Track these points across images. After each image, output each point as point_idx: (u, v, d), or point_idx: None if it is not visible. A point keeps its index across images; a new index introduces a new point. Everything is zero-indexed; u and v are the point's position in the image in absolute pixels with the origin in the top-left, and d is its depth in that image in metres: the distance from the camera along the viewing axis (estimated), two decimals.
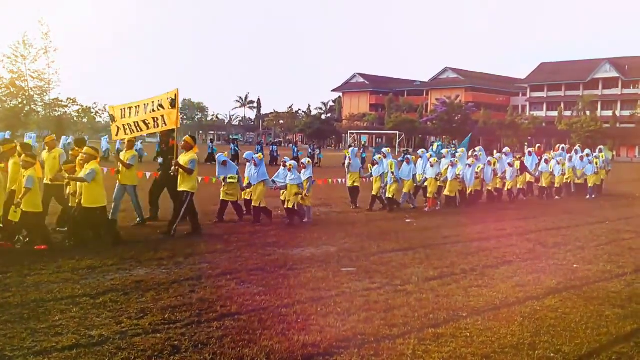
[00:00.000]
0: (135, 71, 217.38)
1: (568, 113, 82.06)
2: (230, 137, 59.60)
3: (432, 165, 15.34)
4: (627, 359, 5.20)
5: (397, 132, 75.47)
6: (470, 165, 16.10)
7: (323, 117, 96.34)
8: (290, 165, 12.50)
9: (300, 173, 12.81)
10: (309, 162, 13.56)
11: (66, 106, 77.31)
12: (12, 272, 7.48)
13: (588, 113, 77.13)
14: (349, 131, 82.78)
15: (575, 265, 8.94)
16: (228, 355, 4.94)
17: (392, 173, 14.73)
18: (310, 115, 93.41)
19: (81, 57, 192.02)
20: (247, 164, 12.76)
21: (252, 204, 12.42)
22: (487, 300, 6.83)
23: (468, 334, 5.63)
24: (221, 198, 12.54)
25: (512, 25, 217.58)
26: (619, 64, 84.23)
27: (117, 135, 11.63)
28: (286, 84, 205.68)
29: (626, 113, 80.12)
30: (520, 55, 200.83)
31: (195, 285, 7.11)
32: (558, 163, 19.31)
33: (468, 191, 16.22)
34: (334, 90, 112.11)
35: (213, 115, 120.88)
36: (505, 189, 17.88)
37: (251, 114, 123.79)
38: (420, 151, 17.49)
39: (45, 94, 70.31)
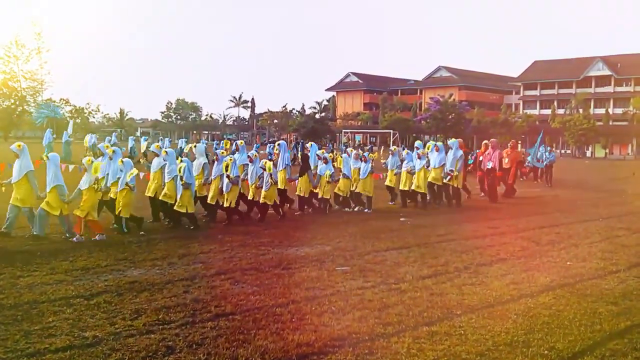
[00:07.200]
0: (129, 71, 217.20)
1: (561, 111, 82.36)
2: (224, 137, 59.38)
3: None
4: (620, 355, 5.21)
5: (391, 130, 75.50)
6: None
7: (317, 116, 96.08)
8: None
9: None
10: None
11: (59, 106, 77.12)
12: (5, 273, 7.45)
13: (581, 111, 77.46)
14: (343, 130, 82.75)
15: (568, 263, 8.97)
16: (222, 355, 4.93)
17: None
18: (304, 115, 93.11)
19: (74, 58, 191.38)
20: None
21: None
22: (481, 298, 6.84)
23: (462, 332, 5.64)
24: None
25: (506, 23, 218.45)
26: (611, 62, 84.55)
27: None
28: (280, 84, 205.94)
29: (619, 111, 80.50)
30: (514, 54, 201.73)
31: (189, 286, 7.09)
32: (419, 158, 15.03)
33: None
34: (327, 90, 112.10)
35: (207, 115, 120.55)
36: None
37: (245, 114, 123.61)
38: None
39: (37, 94, 70.25)
